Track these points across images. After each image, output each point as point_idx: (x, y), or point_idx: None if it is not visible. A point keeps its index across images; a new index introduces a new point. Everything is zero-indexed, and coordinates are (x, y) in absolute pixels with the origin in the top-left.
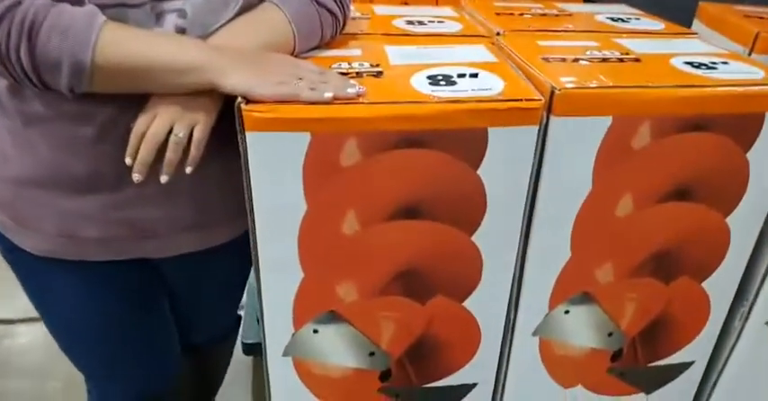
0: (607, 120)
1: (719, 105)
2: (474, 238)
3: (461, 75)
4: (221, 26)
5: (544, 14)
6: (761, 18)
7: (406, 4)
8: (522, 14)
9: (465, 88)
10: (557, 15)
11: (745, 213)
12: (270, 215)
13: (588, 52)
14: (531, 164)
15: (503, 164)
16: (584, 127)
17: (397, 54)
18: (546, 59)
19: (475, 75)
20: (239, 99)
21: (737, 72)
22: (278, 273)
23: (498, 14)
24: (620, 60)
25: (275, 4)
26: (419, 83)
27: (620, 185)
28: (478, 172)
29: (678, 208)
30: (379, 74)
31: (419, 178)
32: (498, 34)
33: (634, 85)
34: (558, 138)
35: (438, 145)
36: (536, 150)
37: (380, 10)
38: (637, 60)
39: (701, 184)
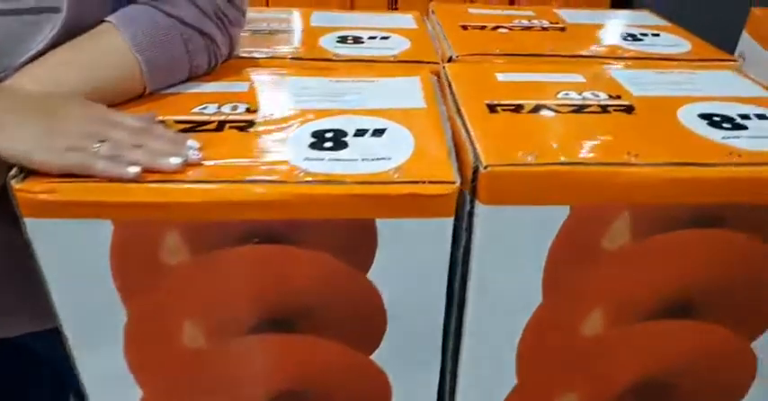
0: (563, 211)
1: (743, 191)
2: (375, 358)
3: (360, 133)
4: (35, 57)
5: (528, 28)
6: None
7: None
8: (497, 28)
9: (354, 156)
10: (545, 29)
11: None
12: (81, 320)
13: (561, 94)
14: (447, 266)
15: (404, 266)
16: (527, 219)
17: (293, 91)
18: (492, 108)
19: (380, 133)
20: (14, 170)
21: None
22: (108, 392)
23: (465, 28)
24: (604, 110)
25: (113, 25)
26: (295, 144)
27: (585, 298)
28: (369, 276)
29: (675, 327)
30: (247, 125)
31: (282, 282)
32: (450, 60)
33: (608, 162)
34: (487, 233)
35: (304, 240)
36: (458, 248)
37: (318, 19)
38: (629, 110)
39: (711, 298)
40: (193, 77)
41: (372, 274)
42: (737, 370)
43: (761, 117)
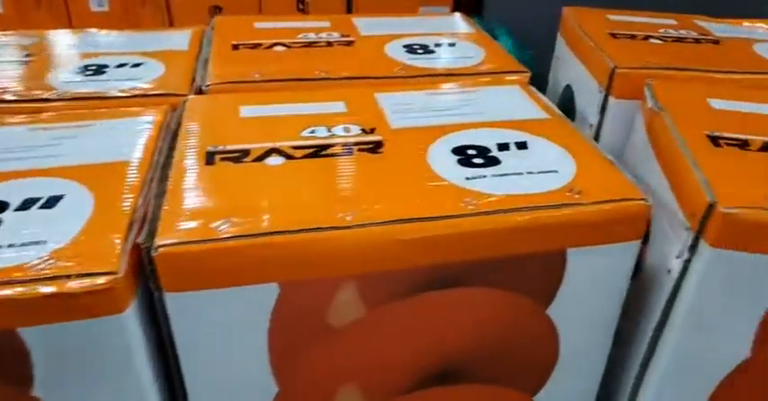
0: (271, 290)
1: (480, 246)
2: None
3: (27, 204)
4: None
5: (312, 44)
6: (632, 36)
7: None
8: (274, 46)
9: (1, 241)
10: (330, 44)
11: (561, 389)
12: None
13: (307, 131)
14: (146, 368)
15: (76, 371)
16: (232, 303)
17: None
18: (210, 157)
19: (52, 203)
20: None
21: (532, 166)
22: None
23: (236, 48)
24: (346, 150)
25: None
26: None
27: (329, 379)
28: (34, 393)
29: (445, 394)
30: None
31: None
32: (201, 91)
33: (316, 227)
34: (185, 323)
35: None
36: (165, 344)
37: (83, 43)
38: (375, 148)
39: (477, 359)
40: None
41: (37, 391)
42: None
43: (520, 146)
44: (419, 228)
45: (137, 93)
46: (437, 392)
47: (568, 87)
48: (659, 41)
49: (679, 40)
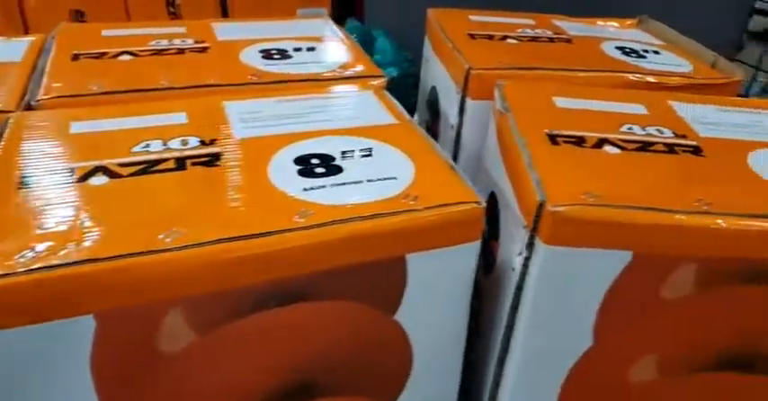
0: (87, 323)
1: (314, 259)
2: None
3: None
4: None
5: (162, 51)
6: (489, 37)
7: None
8: (120, 55)
9: None
10: (181, 51)
11: (420, 393)
12: None
13: (140, 146)
14: None
15: None
16: (42, 340)
17: None
18: (27, 181)
19: None
20: None
21: (373, 174)
22: None
23: (76, 58)
24: (179, 165)
25: None
26: None
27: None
28: None
29: None
30: None
31: None
32: (30, 107)
33: (134, 252)
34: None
35: None
36: None
37: None
38: (212, 161)
39: (334, 373)
40: None
41: None
42: None
43: (365, 154)
44: (244, 247)
45: None
46: None
47: (434, 89)
48: (515, 41)
49: (534, 39)
